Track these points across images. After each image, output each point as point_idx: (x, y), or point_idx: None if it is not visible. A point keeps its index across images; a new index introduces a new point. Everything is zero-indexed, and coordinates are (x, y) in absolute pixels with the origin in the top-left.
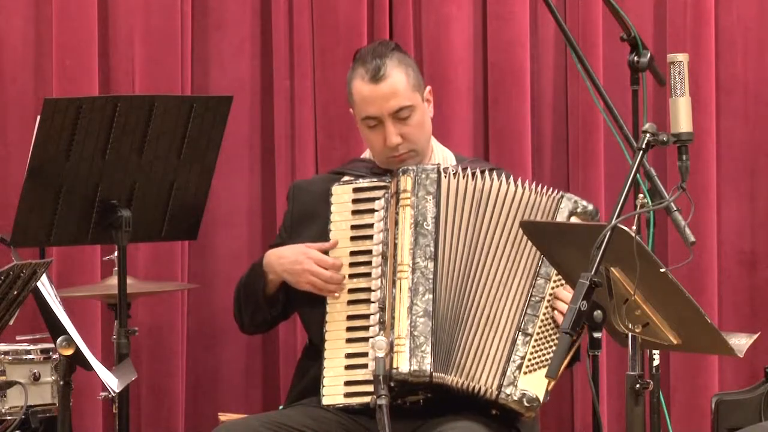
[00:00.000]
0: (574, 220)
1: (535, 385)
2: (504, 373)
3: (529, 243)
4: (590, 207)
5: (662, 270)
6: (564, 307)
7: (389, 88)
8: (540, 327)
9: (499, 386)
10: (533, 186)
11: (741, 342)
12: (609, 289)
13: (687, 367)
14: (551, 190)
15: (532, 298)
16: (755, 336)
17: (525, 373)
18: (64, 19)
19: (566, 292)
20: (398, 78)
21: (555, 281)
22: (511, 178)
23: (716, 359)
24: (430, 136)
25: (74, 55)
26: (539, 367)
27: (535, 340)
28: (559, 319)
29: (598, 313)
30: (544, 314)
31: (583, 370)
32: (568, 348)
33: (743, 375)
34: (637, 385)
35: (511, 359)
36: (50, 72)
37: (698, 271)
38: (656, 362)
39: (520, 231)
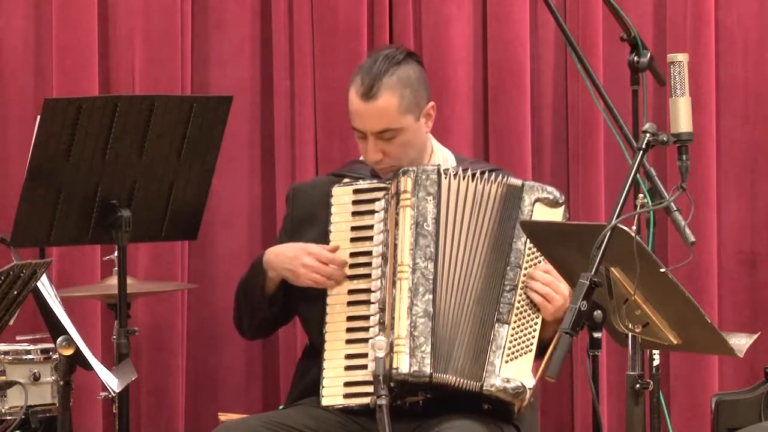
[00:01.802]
0: (539, 206)
1: (518, 372)
2: (485, 365)
3: (501, 236)
4: (555, 192)
5: (662, 270)
6: (539, 287)
7: (376, 110)
8: (516, 315)
9: (481, 378)
10: (497, 179)
11: (741, 342)
12: (609, 289)
13: (687, 367)
14: (513, 179)
15: (505, 287)
16: (755, 336)
17: (507, 361)
18: (64, 19)
19: (538, 272)
20: (389, 101)
21: (525, 268)
22: (500, 176)
23: (716, 359)
24: (420, 150)
25: (74, 55)
26: (521, 354)
27: (513, 328)
28: (535, 297)
29: (598, 313)
30: (519, 302)
31: (583, 370)
32: (568, 347)
33: (743, 375)
34: (637, 385)
35: (491, 349)
36: (50, 72)
37: (698, 271)
38: (656, 362)
39: (494, 226)
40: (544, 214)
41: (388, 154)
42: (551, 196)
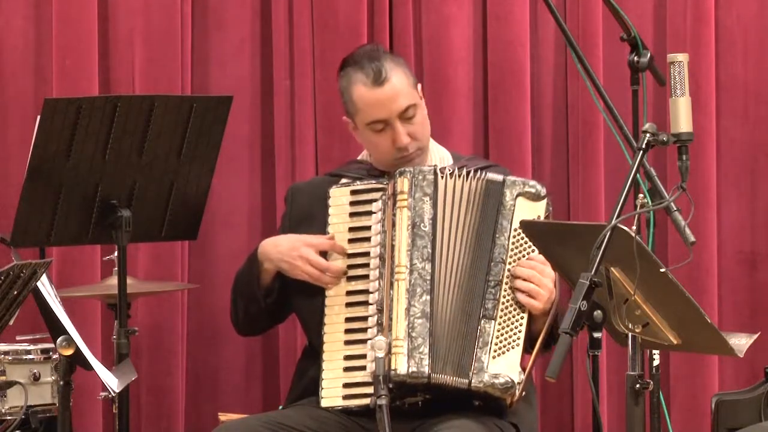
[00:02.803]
0: (521, 200)
1: (506, 367)
2: (472, 362)
3: (484, 232)
4: (537, 186)
5: (662, 270)
6: (522, 284)
7: (393, 90)
8: (502, 310)
9: (469, 375)
10: (479, 175)
11: (741, 342)
12: (609, 289)
13: (687, 367)
14: (493, 175)
15: (490, 283)
16: (755, 336)
17: (494, 357)
18: (64, 19)
19: (521, 268)
20: (400, 78)
21: (510, 263)
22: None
23: (716, 359)
24: (429, 132)
25: (74, 55)
26: (508, 350)
27: (500, 324)
28: (520, 296)
29: (598, 313)
30: (504, 296)
31: (583, 370)
32: (568, 347)
33: (743, 375)
34: (637, 385)
35: (478, 346)
36: (50, 72)
37: (698, 271)
38: (656, 362)
39: (477, 222)
40: (526, 207)
41: (414, 135)
42: (533, 190)
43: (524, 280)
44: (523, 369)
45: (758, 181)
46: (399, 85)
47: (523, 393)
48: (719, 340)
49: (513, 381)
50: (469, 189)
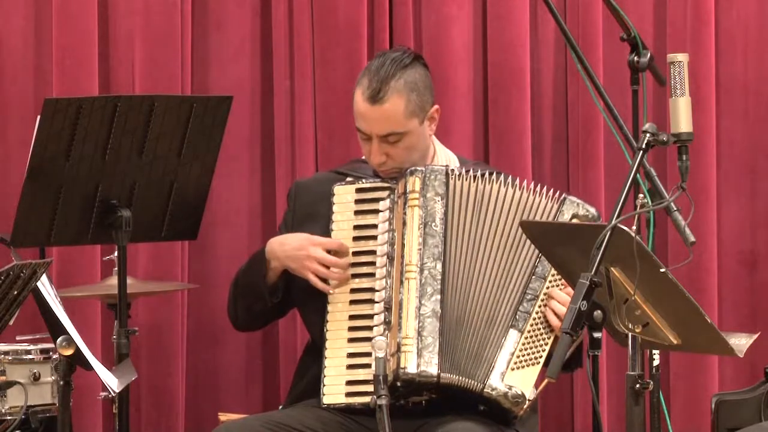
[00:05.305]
0: (575, 222)
1: (522, 381)
2: (490, 368)
3: (528, 243)
4: (593, 210)
5: (662, 270)
6: (558, 306)
7: (382, 113)
8: (532, 325)
9: (484, 380)
10: (535, 188)
11: (741, 342)
12: (609, 289)
13: (687, 367)
14: (553, 192)
15: (527, 296)
16: (755, 336)
17: (512, 369)
18: (64, 19)
19: (560, 293)
20: (395, 104)
21: (551, 281)
22: (516, 180)
23: (716, 359)
24: (424, 153)
25: (74, 55)
26: (528, 365)
27: (526, 338)
28: (551, 318)
29: (598, 313)
30: (537, 313)
31: (583, 370)
32: (568, 348)
33: (743, 375)
34: (637, 385)
35: (499, 354)
36: (50, 72)
37: (698, 271)
38: (656, 362)
39: (520, 231)
40: None
41: (392, 157)
42: (588, 214)
43: (558, 302)
44: (536, 387)
45: (758, 181)
46: (390, 111)
47: (528, 409)
48: (719, 340)
49: (525, 396)
50: (499, 193)
